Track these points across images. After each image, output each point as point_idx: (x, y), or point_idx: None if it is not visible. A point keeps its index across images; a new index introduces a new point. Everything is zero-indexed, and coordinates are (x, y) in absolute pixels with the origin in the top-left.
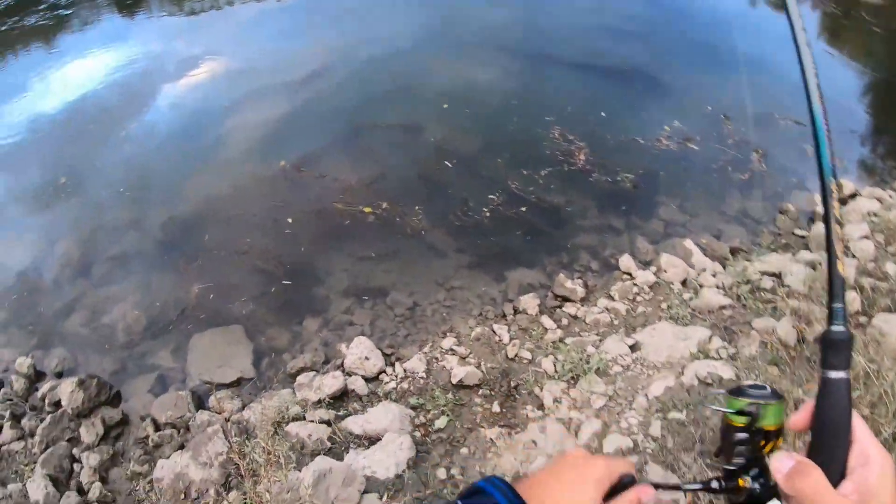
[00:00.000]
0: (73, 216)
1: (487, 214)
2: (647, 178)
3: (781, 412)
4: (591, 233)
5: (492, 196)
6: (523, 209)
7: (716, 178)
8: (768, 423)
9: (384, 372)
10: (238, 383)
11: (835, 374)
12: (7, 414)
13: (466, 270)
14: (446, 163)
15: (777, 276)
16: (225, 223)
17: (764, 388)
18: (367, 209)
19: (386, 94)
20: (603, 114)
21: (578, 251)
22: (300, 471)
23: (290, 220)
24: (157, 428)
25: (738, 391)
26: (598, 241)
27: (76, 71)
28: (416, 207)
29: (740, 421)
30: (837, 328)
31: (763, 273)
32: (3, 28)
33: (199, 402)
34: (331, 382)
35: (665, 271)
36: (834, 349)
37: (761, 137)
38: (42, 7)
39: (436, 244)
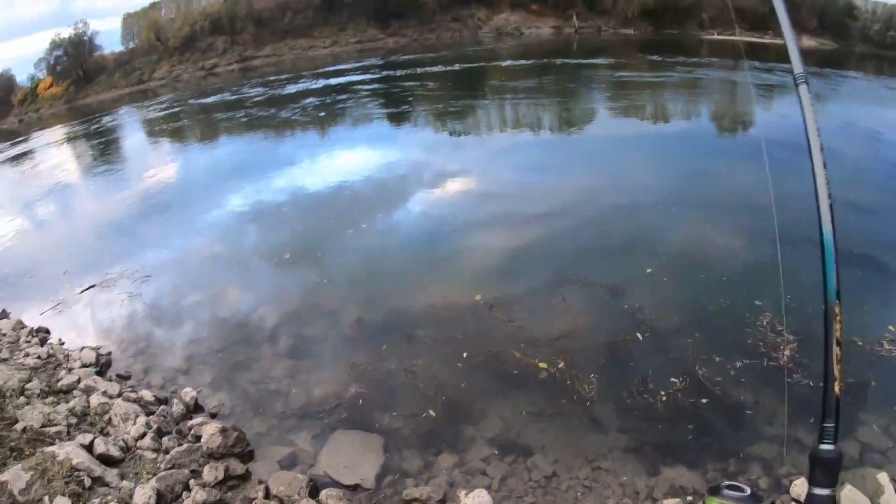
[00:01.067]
0: (283, 289)
1: (663, 398)
2: (855, 388)
3: None
4: (771, 443)
5: (674, 379)
6: (703, 401)
7: None
8: None
9: None
10: (354, 489)
11: (820, 491)
12: (156, 427)
13: (620, 453)
14: (637, 334)
15: None
16: (406, 339)
17: (743, 490)
18: (543, 364)
19: (599, 249)
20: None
21: (750, 462)
22: None
23: (465, 355)
24: (267, 496)
25: (715, 489)
26: (776, 454)
27: (339, 161)
28: (592, 375)
29: None
30: (826, 447)
31: None
32: (263, 115)
33: (312, 491)
34: None
35: None
36: (821, 467)
37: None
38: (295, 106)
39: (599, 417)
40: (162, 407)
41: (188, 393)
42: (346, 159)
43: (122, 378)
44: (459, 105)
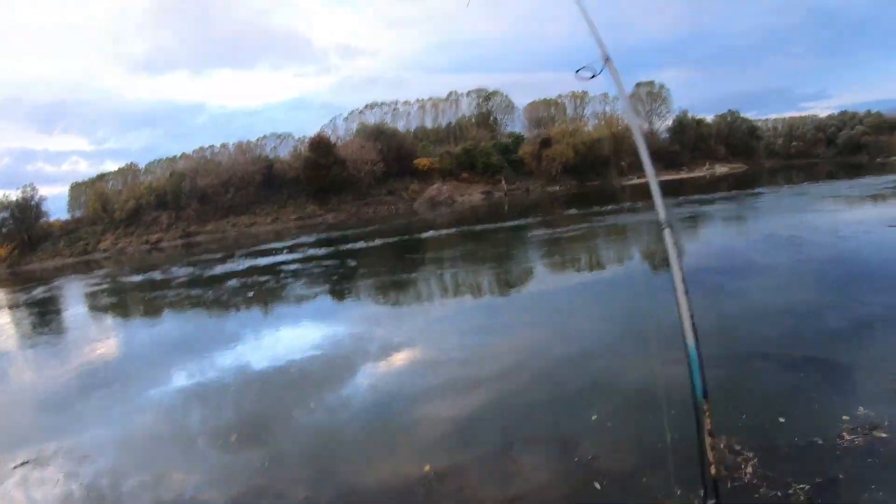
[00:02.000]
0: (229, 471)
1: None
2: (824, 487)
3: None
4: None
5: None
6: None
7: None
8: None
9: None
10: None
11: None
12: None
13: None
14: (595, 483)
15: None
16: None
17: None
18: None
19: (543, 404)
20: (781, 419)
21: None
22: None
23: None
24: None
25: None
26: None
27: (284, 339)
28: None
29: None
30: None
31: None
32: (196, 293)
33: None
34: None
35: None
36: None
37: None
38: (231, 287)
39: None
40: None
41: None
42: (290, 337)
43: None
44: (399, 277)
